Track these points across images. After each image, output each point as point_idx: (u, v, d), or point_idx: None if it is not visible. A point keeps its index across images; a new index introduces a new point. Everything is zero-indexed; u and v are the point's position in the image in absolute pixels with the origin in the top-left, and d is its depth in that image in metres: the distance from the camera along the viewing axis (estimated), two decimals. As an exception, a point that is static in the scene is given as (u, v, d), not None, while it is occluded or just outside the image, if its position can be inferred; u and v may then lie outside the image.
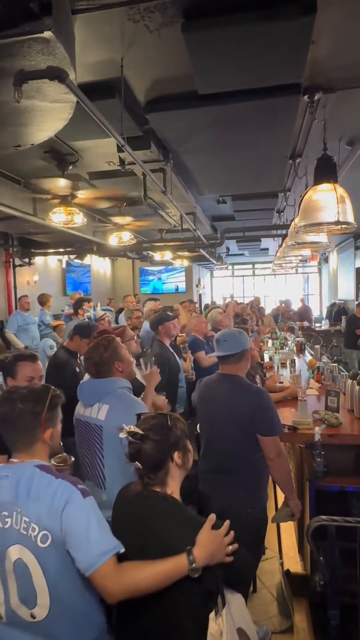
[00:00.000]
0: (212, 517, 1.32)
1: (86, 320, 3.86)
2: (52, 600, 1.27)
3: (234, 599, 1.33)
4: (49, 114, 2.16)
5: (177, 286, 12.70)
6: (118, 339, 2.20)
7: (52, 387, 1.50)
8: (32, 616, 1.29)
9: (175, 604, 1.27)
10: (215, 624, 1.24)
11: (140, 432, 1.39)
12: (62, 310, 7.48)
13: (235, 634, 1.26)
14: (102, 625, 1.36)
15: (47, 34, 1.52)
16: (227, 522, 1.34)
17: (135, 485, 1.44)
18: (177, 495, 1.42)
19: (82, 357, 2.94)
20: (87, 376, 2.31)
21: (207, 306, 9.42)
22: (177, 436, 1.43)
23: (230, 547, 1.31)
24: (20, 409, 1.40)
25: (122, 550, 1.26)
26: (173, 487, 1.41)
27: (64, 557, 1.28)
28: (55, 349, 4.95)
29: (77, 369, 3.14)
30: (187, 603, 1.27)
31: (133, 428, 1.40)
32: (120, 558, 1.27)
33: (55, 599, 1.28)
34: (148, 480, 1.39)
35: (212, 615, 1.26)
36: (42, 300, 7.03)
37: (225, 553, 1.30)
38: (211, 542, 1.27)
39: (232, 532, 1.33)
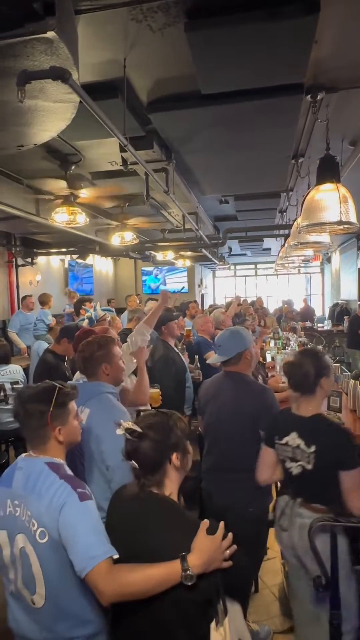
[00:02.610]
0: (206, 522, 1.25)
1: (74, 322, 3.85)
2: (47, 593, 1.31)
3: (232, 609, 1.25)
4: (52, 114, 2.17)
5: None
6: (118, 344, 2.18)
7: (60, 385, 1.50)
8: (33, 602, 1.34)
9: (165, 613, 1.21)
10: (218, 634, 1.17)
11: (139, 429, 1.34)
12: (64, 310, 7.47)
13: None
14: (98, 626, 1.36)
15: (51, 34, 1.52)
16: (222, 525, 1.27)
17: (131, 486, 1.40)
18: (175, 496, 1.37)
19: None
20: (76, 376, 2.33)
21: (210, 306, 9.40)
22: (178, 437, 1.37)
23: (228, 551, 1.24)
24: (28, 409, 1.43)
25: (116, 555, 1.24)
26: (171, 489, 1.36)
27: (60, 557, 1.29)
28: None
29: (67, 373, 3.13)
30: (180, 613, 1.21)
31: (131, 425, 1.35)
32: (116, 560, 1.26)
33: (50, 593, 1.31)
34: (144, 481, 1.35)
35: (212, 625, 1.18)
36: (43, 300, 7.01)
37: (223, 558, 1.23)
38: (208, 548, 1.21)
39: (230, 535, 1.26)
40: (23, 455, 1.49)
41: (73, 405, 1.52)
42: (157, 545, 1.25)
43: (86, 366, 2.08)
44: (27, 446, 1.51)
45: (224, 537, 1.26)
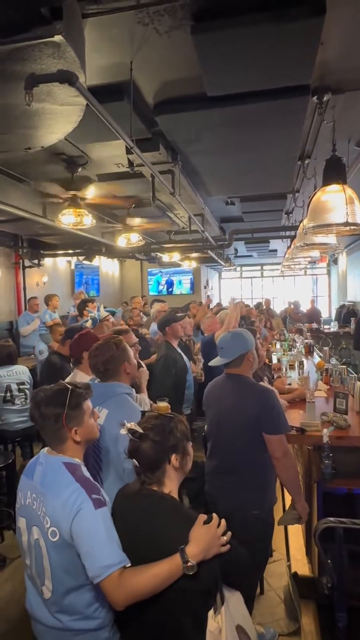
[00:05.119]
0: (203, 516, 1.33)
1: (78, 324, 3.87)
2: (54, 588, 1.36)
3: (233, 597, 1.33)
4: (59, 116, 2.19)
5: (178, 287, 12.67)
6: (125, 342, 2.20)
7: (72, 386, 1.51)
8: (42, 592, 1.39)
9: (173, 602, 1.27)
10: (215, 622, 1.25)
11: (140, 430, 1.40)
12: (68, 312, 7.46)
13: (234, 631, 1.27)
14: (102, 622, 1.39)
15: (58, 38, 1.54)
16: (214, 515, 1.34)
17: (134, 484, 1.46)
18: (175, 494, 1.43)
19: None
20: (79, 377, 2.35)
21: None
22: (177, 439, 1.43)
23: (225, 537, 1.32)
24: (43, 412, 1.46)
25: (129, 564, 1.27)
26: (170, 487, 1.42)
27: (67, 558, 1.33)
28: (45, 354, 4.88)
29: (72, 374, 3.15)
30: (185, 601, 1.28)
31: (134, 425, 1.41)
32: None
33: (56, 588, 1.36)
34: (145, 479, 1.41)
35: (210, 613, 1.27)
36: (45, 300, 6.97)
37: (220, 543, 1.30)
38: (204, 536, 1.28)
39: (223, 522, 1.33)
40: (45, 449, 1.52)
41: (88, 404, 1.54)
42: (159, 539, 1.30)
43: (107, 367, 2.05)
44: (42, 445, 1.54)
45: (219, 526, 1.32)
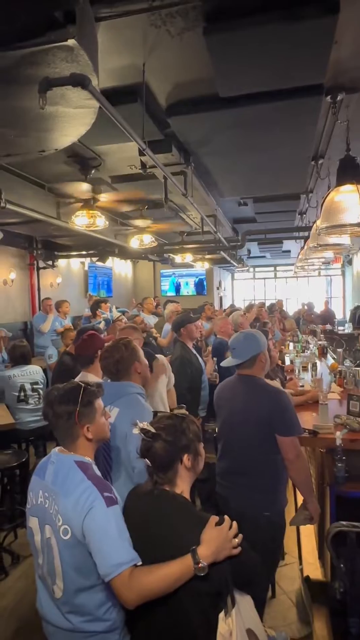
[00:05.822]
0: (215, 517, 1.33)
1: (91, 324, 3.90)
2: (65, 587, 1.36)
3: (243, 601, 1.33)
4: (73, 119, 2.21)
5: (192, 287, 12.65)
6: (135, 342, 2.22)
7: (85, 384, 1.54)
8: (53, 591, 1.39)
9: (183, 603, 1.28)
10: (225, 624, 1.24)
11: (153, 430, 1.41)
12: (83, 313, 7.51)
13: (245, 634, 1.26)
14: (113, 624, 1.39)
15: (71, 42, 1.55)
16: (226, 517, 1.34)
17: (146, 484, 1.47)
18: (186, 494, 1.43)
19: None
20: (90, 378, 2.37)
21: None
22: (189, 439, 1.44)
23: (237, 539, 1.31)
24: (56, 410, 1.49)
25: (139, 562, 1.28)
26: (182, 487, 1.42)
27: (79, 556, 1.34)
28: (53, 358, 4.98)
29: None
30: (196, 603, 1.28)
31: (146, 425, 1.42)
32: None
33: (67, 588, 1.36)
34: (157, 479, 1.42)
35: (221, 615, 1.27)
36: (56, 306, 6.75)
37: (232, 546, 1.30)
38: (216, 537, 1.28)
39: (235, 524, 1.33)
40: (56, 449, 1.53)
41: (100, 403, 1.56)
42: (170, 539, 1.31)
43: (118, 368, 2.09)
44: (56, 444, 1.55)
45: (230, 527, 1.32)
